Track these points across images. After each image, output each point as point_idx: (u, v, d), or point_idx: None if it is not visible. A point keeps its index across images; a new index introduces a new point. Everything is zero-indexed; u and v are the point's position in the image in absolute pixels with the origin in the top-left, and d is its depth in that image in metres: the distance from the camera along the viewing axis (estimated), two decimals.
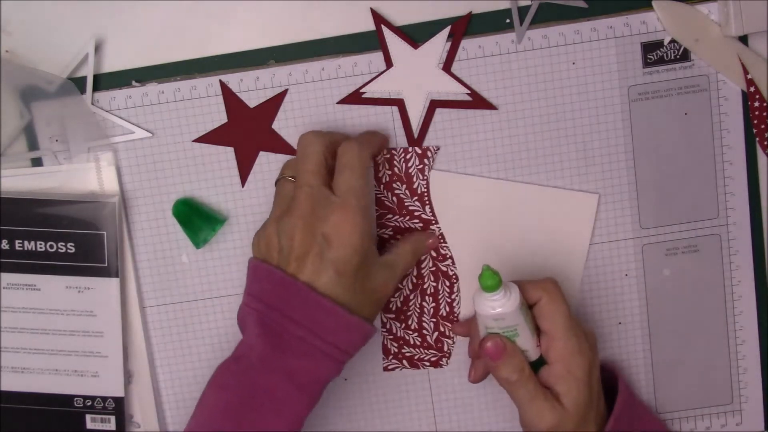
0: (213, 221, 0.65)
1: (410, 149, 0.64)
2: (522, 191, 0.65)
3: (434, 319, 0.66)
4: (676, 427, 0.69)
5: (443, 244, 0.65)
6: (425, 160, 0.64)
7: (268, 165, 0.65)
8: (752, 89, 0.65)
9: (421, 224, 0.65)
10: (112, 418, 0.66)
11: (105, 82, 0.64)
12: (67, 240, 0.64)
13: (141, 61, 0.63)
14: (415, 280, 0.66)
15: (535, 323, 0.60)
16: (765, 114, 0.65)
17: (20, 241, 0.64)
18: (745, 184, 0.66)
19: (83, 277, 0.64)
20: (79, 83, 0.63)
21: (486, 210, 0.65)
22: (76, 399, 0.66)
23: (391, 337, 0.67)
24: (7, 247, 0.64)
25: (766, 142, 0.66)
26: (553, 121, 0.65)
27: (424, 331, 0.67)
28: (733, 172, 0.66)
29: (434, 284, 0.66)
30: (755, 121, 0.65)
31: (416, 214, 0.65)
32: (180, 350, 0.67)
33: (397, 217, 0.65)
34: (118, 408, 0.66)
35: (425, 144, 0.65)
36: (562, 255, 0.66)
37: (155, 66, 0.64)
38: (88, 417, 0.66)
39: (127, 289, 0.65)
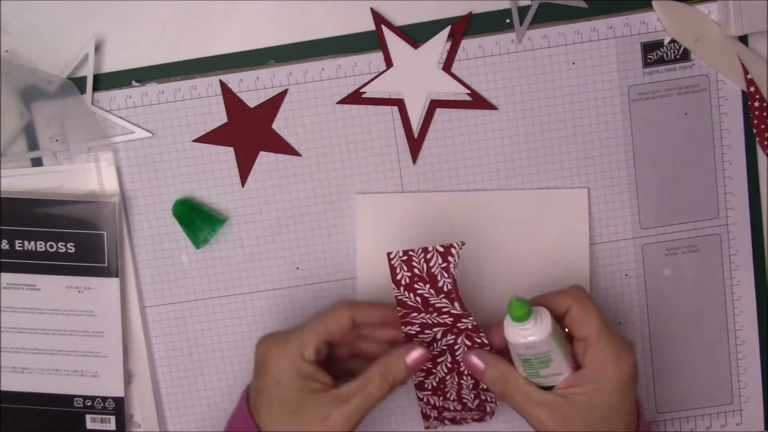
0: (213, 221, 0.65)
1: (430, 249, 0.56)
2: (510, 198, 0.65)
3: (474, 391, 0.62)
4: (676, 427, 0.69)
5: (480, 334, 0.59)
6: (449, 258, 0.56)
7: (268, 165, 0.65)
8: (752, 89, 0.65)
9: (451, 319, 0.59)
10: (112, 418, 0.66)
11: (105, 82, 0.64)
12: (67, 240, 0.64)
13: (141, 61, 0.63)
14: (450, 365, 0.60)
15: (568, 339, 0.58)
16: (765, 114, 0.65)
17: (20, 241, 0.64)
18: (745, 184, 0.66)
19: (83, 277, 0.64)
20: (79, 83, 0.63)
21: (478, 225, 0.65)
22: (76, 399, 0.66)
23: (429, 406, 0.63)
24: (7, 247, 0.64)
25: (766, 142, 0.66)
26: (553, 121, 0.65)
27: (464, 400, 0.62)
28: (733, 172, 0.66)
29: None
30: (755, 121, 0.65)
31: (444, 310, 0.58)
32: (180, 350, 0.67)
33: (423, 314, 0.59)
34: (118, 408, 0.66)
35: (424, 145, 0.65)
36: (566, 256, 0.66)
37: (155, 66, 0.64)
38: (88, 417, 0.66)
39: (127, 289, 0.65)
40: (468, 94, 0.64)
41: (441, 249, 0.56)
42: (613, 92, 0.65)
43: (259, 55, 0.64)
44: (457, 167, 0.65)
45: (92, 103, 0.64)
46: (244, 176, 0.65)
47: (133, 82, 0.64)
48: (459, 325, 0.59)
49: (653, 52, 0.64)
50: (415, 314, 0.58)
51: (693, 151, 0.66)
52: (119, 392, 0.65)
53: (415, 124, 0.65)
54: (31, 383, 0.65)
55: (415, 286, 0.57)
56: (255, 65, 0.64)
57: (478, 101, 0.64)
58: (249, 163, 0.65)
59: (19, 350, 0.65)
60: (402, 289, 0.57)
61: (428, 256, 0.56)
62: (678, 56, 0.65)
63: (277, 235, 0.66)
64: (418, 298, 0.58)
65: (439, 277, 0.57)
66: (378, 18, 0.63)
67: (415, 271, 0.57)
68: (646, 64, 0.65)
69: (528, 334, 0.55)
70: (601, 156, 0.66)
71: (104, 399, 0.65)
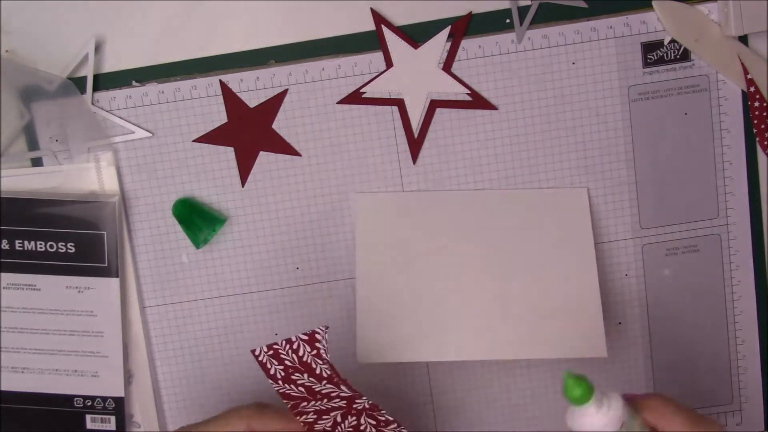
0: (213, 221, 0.65)
1: (294, 339, 0.54)
2: (510, 198, 0.65)
3: None
4: None
5: (381, 411, 0.55)
6: (317, 344, 0.54)
7: (268, 165, 0.65)
8: (752, 89, 0.65)
9: (344, 402, 0.55)
10: (112, 418, 0.66)
11: (105, 82, 0.64)
12: (67, 240, 0.64)
13: (141, 61, 0.63)
14: None
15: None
16: (765, 114, 0.65)
17: (20, 241, 0.64)
18: (745, 184, 0.66)
19: (83, 277, 0.64)
20: (79, 83, 0.63)
21: (478, 225, 0.65)
22: (76, 399, 0.66)
23: None
24: (7, 247, 0.64)
25: (766, 142, 0.66)
26: (553, 121, 0.65)
27: None
28: (733, 172, 0.66)
29: None
30: (755, 121, 0.65)
31: (333, 395, 0.55)
32: (180, 350, 0.67)
33: (314, 402, 0.55)
34: (118, 408, 0.66)
35: (424, 145, 0.65)
36: (569, 255, 0.65)
37: (155, 66, 0.64)
38: (88, 417, 0.66)
39: (127, 289, 0.65)
40: (468, 94, 0.64)
41: (305, 337, 0.54)
42: (613, 92, 0.65)
43: (259, 55, 0.64)
44: (457, 167, 0.65)
45: (92, 103, 0.64)
46: (244, 176, 0.65)
47: (133, 82, 0.64)
48: (355, 405, 0.55)
49: (653, 52, 0.64)
50: (305, 403, 0.55)
51: (693, 151, 0.66)
52: (119, 392, 0.65)
53: (415, 124, 0.65)
54: (31, 383, 0.65)
55: (293, 377, 0.54)
56: (255, 65, 0.64)
57: (478, 101, 0.64)
58: (249, 163, 0.65)
59: (19, 350, 0.65)
60: (281, 382, 0.54)
61: (294, 346, 0.54)
62: (678, 56, 0.65)
63: (277, 235, 0.66)
64: (301, 388, 0.55)
65: (314, 365, 0.54)
66: (378, 18, 0.63)
67: (287, 363, 0.54)
68: (646, 64, 0.65)
69: (587, 423, 0.45)
70: (601, 156, 0.66)
71: (104, 399, 0.65)
